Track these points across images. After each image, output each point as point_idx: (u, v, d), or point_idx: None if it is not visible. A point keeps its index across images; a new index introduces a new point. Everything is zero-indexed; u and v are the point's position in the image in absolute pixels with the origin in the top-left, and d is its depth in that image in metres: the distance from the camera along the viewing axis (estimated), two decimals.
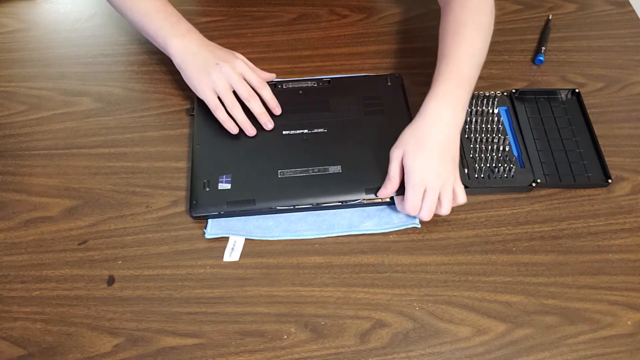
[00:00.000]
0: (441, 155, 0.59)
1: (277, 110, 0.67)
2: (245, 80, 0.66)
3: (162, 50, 0.69)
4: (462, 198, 0.60)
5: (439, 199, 0.59)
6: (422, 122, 0.60)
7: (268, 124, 0.66)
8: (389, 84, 0.72)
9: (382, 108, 0.69)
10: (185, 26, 0.68)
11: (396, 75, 0.73)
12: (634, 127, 0.71)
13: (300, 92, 0.71)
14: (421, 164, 0.58)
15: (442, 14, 0.68)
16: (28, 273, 0.59)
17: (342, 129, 0.67)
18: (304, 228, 0.62)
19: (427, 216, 0.59)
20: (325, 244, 0.61)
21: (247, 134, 0.66)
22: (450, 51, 0.63)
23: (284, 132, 0.66)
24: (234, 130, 0.65)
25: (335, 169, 0.63)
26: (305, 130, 0.67)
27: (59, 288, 0.58)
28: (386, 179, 0.61)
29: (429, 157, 0.58)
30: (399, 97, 0.70)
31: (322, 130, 0.67)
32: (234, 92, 0.66)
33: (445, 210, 0.59)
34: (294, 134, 0.66)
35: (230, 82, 0.65)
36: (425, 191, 0.58)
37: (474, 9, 0.65)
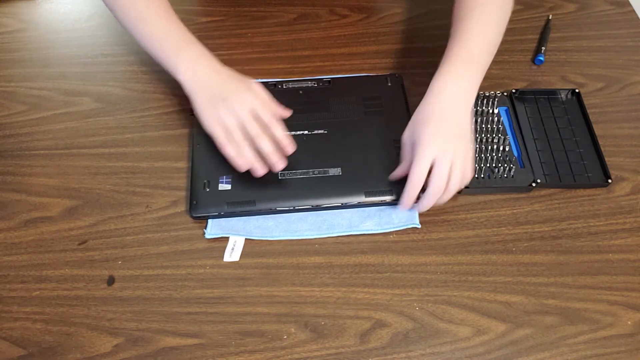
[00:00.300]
0: (449, 127, 0.58)
1: (290, 149, 0.61)
2: (257, 115, 0.61)
3: (174, 77, 0.64)
4: (469, 174, 0.59)
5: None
6: (428, 99, 0.60)
7: (278, 165, 0.60)
8: (389, 84, 0.72)
9: (382, 109, 0.69)
10: (197, 51, 0.63)
11: (396, 75, 0.73)
12: (634, 127, 0.71)
13: (301, 92, 0.71)
14: (429, 136, 0.57)
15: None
16: (28, 273, 0.59)
17: (342, 131, 0.67)
18: (304, 228, 0.62)
19: (436, 189, 0.57)
20: (325, 244, 0.61)
21: (255, 174, 0.60)
22: (459, 32, 0.63)
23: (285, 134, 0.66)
24: (242, 168, 0.60)
25: (335, 171, 0.63)
26: (306, 132, 0.67)
27: (59, 288, 0.58)
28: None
29: (436, 129, 0.58)
30: (399, 98, 0.70)
31: (322, 131, 0.67)
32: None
33: (454, 185, 0.57)
34: (295, 135, 0.66)
35: (239, 119, 0.60)
36: (433, 163, 0.57)
37: None
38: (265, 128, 0.60)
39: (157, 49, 0.64)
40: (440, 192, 0.58)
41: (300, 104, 0.69)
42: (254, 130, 0.59)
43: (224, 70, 0.63)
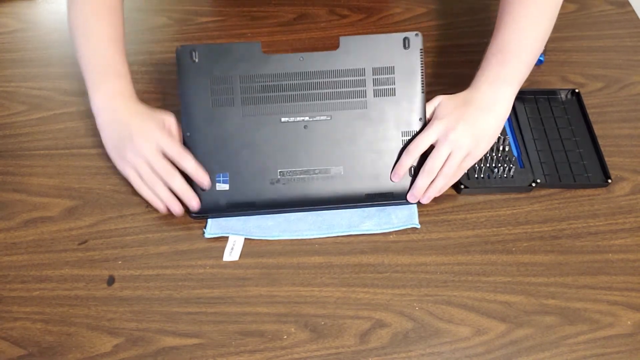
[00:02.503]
0: (468, 121, 0.59)
1: (205, 182, 0.60)
2: (164, 153, 0.59)
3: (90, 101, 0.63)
4: (463, 170, 0.61)
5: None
6: (462, 94, 0.61)
7: (192, 203, 0.60)
8: (406, 48, 0.61)
9: (393, 87, 0.62)
10: (121, 86, 0.62)
11: (415, 34, 0.62)
12: (633, 127, 0.71)
13: (301, 58, 0.61)
14: (448, 120, 0.59)
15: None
16: (28, 273, 0.59)
17: (347, 117, 0.61)
18: (303, 228, 0.62)
19: (428, 169, 0.60)
20: (325, 244, 0.61)
21: (174, 213, 0.60)
22: (498, 31, 0.63)
23: (283, 120, 0.61)
24: (162, 209, 0.61)
25: (337, 170, 0.62)
26: (307, 118, 0.61)
27: (59, 288, 0.58)
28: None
29: (456, 118, 0.59)
30: (415, 70, 0.62)
31: (324, 117, 0.61)
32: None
33: (445, 174, 0.60)
34: (294, 121, 0.61)
35: (146, 159, 0.59)
36: (435, 143, 0.59)
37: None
38: (175, 163, 0.59)
39: (84, 69, 0.63)
40: (431, 173, 0.60)
41: (301, 76, 0.61)
42: (162, 170, 0.59)
43: (136, 107, 0.61)
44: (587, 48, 0.80)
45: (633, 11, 0.85)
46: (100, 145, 0.69)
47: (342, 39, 0.62)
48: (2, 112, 0.72)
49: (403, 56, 0.61)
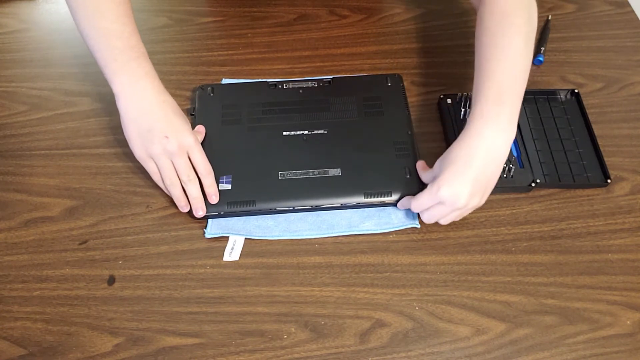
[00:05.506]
0: (476, 181, 0.55)
1: (214, 200, 0.61)
2: (189, 157, 0.61)
3: (108, 82, 0.61)
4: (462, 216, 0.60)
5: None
6: (464, 139, 0.57)
7: (199, 210, 0.60)
8: (389, 84, 0.72)
9: (381, 109, 0.69)
10: (145, 67, 0.60)
11: (396, 75, 0.73)
12: (633, 127, 0.71)
13: (300, 91, 0.71)
14: (449, 178, 0.55)
15: (476, 21, 0.64)
16: (29, 273, 0.59)
17: (342, 131, 0.67)
18: (303, 228, 0.62)
19: (426, 220, 0.60)
20: (325, 244, 0.61)
21: (180, 209, 0.62)
22: (486, 64, 0.59)
23: (284, 133, 0.66)
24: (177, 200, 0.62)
25: (335, 171, 0.63)
26: (306, 132, 0.67)
27: (60, 288, 0.58)
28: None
29: (463, 183, 0.55)
30: (399, 98, 0.70)
31: (322, 131, 0.67)
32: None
33: (443, 222, 0.60)
34: (295, 134, 0.66)
35: (173, 159, 0.60)
36: (439, 203, 0.57)
37: (505, 13, 0.60)
38: (194, 172, 0.61)
39: (103, 48, 0.59)
40: (427, 222, 0.60)
41: (300, 103, 0.70)
42: (185, 175, 0.60)
43: (166, 99, 0.61)
44: (587, 48, 0.80)
45: (633, 11, 0.85)
46: (100, 145, 0.69)
47: (334, 79, 0.72)
48: (2, 112, 0.72)
49: (387, 89, 0.71)
